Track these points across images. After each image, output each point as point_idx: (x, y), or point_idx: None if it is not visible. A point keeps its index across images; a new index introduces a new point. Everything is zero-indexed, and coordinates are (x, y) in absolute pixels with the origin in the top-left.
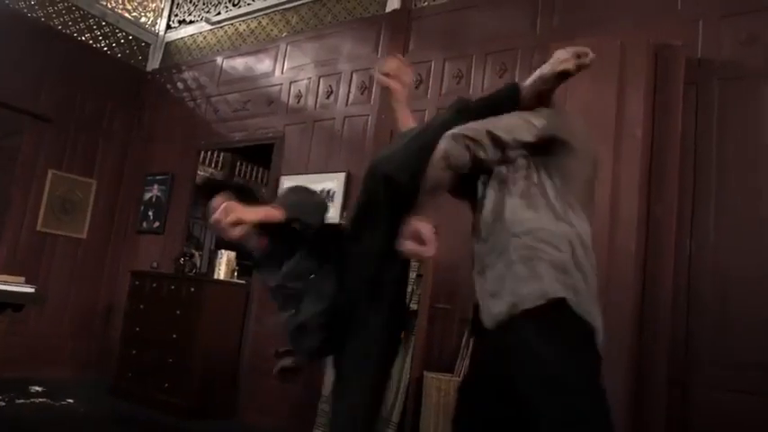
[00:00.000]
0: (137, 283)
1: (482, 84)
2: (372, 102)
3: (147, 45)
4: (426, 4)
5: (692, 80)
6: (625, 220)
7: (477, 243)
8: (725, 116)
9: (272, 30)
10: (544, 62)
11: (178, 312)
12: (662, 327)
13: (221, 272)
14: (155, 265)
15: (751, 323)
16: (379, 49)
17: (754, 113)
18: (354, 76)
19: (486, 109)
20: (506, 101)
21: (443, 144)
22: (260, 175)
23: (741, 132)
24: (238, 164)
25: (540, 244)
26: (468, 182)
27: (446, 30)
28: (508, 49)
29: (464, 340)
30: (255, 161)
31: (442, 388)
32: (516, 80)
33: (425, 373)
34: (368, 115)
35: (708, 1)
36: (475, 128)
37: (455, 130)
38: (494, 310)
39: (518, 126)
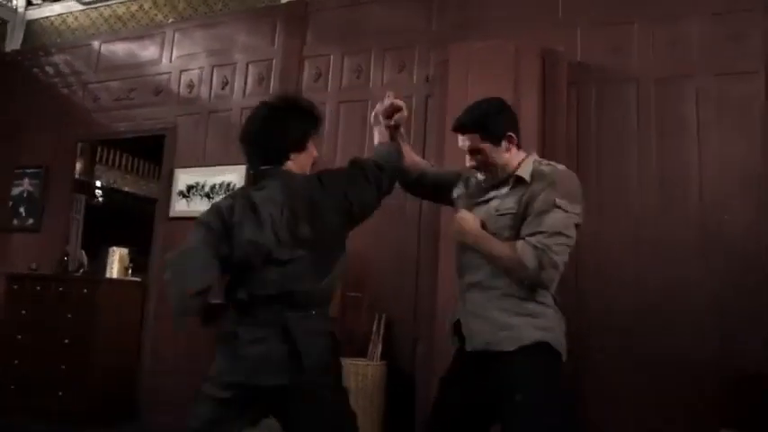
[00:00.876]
0: (14, 287)
1: (381, 79)
2: (270, 93)
3: (5, 22)
4: None
5: (573, 81)
6: None
7: None
8: (601, 114)
9: (155, 14)
10: (442, 60)
11: (69, 316)
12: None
13: (114, 270)
14: (33, 266)
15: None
16: (276, 42)
17: (620, 112)
18: (250, 67)
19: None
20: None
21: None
22: (147, 169)
23: (615, 127)
24: (124, 157)
25: None
26: None
27: (344, 24)
28: (406, 46)
29: (375, 326)
30: (142, 154)
31: (359, 372)
32: (414, 76)
33: (341, 358)
34: None
35: (583, 11)
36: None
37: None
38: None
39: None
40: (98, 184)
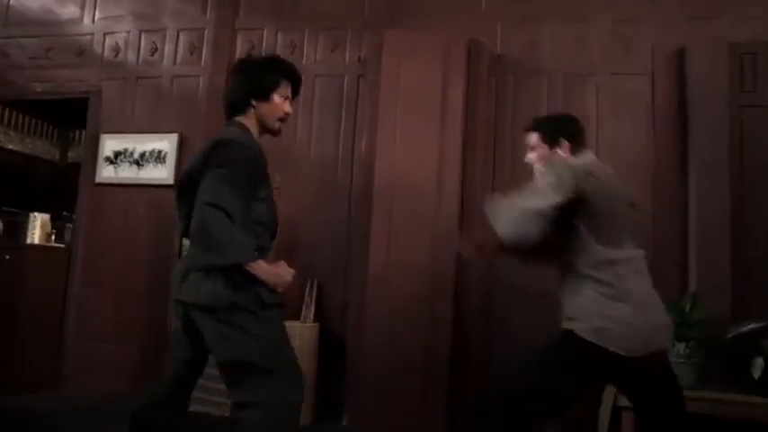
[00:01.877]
0: None
1: (315, 56)
2: (203, 63)
3: None
4: None
5: (492, 72)
6: (449, 189)
7: None
8: (516, 102)
9: None
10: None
11: None
12: (477, 269)
13: (36, 236)
14: None
15: None
16: (208, 10)
17: (532, 101)
18: (181, 35)
19: None
20: None
21: None
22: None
23: (527, 115)
24: (26, 119)
25: None
26: None
27: None
28: (339, 27)
29: (307, 290)
30: (66, 123)
31: (294, 334)
32: (347, 56)
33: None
34: (199, 76)
35: (503, 6)
36: None
37: None
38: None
39: None
40: None
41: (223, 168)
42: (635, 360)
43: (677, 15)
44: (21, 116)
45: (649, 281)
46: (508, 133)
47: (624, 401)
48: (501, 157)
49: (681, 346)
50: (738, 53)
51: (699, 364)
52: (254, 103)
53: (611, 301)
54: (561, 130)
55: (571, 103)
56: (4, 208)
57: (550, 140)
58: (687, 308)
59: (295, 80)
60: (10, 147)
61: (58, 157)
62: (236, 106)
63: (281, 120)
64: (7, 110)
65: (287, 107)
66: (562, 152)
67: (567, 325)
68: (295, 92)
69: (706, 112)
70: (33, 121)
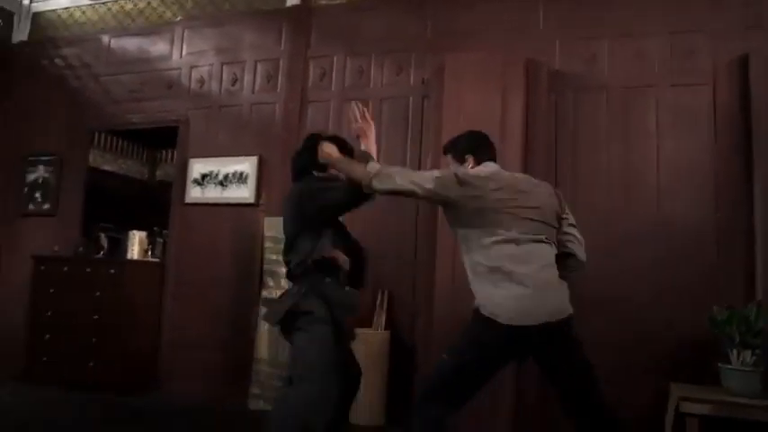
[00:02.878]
0: (42, 268)
1: (381, 80)
2: (279, 90)
3: (11, 14)
4: (325, 2)
5: (552, 88)
6: None
7: None
8: (577, 118)
9: (163, 11)
10: (437, 67)
11: (98, 294)
12: None
13: (134, 252)
14: (56, 248)
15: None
16: (282, 42)
17: (591, 116)
18: (259, 65)
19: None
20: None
21: None
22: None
23: (588, 130)
24: (119, 142)
25: None
26: None
27: (345, 27)
28: (403, 50)
29: (378, 300)
30: (153, 144)
31: (366, 340)
32: (411, 78)
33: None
34: (275, 103)
35: (562, 24)
36: None
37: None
38: None
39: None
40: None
41: None
42: (527, 329)
43: (737, 24)
44: (114, 139)
45: (542, 261)
46: (569, 148)
47: (687, 408)
48: (562, 171)
49: (746, 354)
50: None
51: (764, 372)
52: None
53: (497, 280)
54: (465, 147)
55: (631, 117)
56: (101, 224)
57: (459, 158)
58: (752, 316)
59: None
60: (106, 168)
61: (147, 176)
62: (295, 174)
63: None
64: (103, 135)
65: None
66: (469, 165)
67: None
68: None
69: None
70: (125, 143)
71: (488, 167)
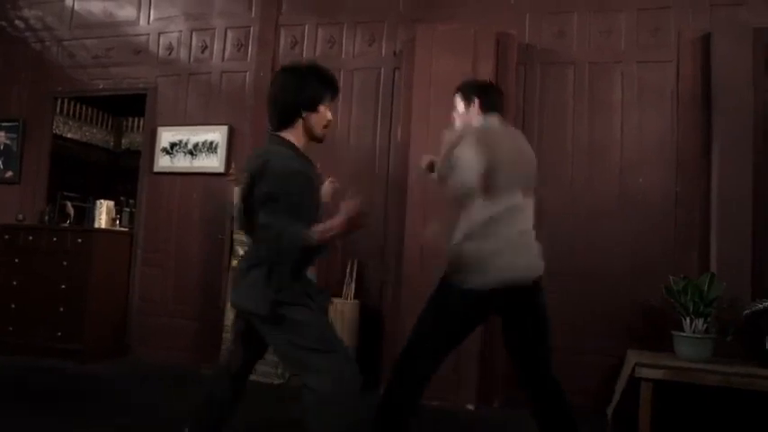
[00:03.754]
0: (6, 236)
1: (353, 51)
2: (249, 59)
3: None
4: None
5: (521, 62)
6: None
7: None
8: (544, 91)
9: None
10: (409, 38)
11: (65, 263)
12: None
13: (102, 221)
14: (20, 217)
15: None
16: (253, 9)
17: (561, 91)
18: (229, 32)
19: None
20: None
21: None
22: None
23: (554, 103)
24: (83, 109)
25: None
26: None
27: None
28: (376, 21)
29: (348, 270)
30: (119, 112)
31: (336, 310)
32: (383, 49)
33: None
34: (246, 72)
35: None
36: None
37: None
38: None
39: None
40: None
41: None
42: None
43: (702, 2)
44: (79, 106)
45: (526, 223)
46: (536, 119)
47: (641, 373)
48: (529, 139)
49: (698, 322)
50: (763, 38)
51: (715, 339)
52: (303, 114)
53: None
54: (474, 90)
55: (597, 91)
56: (65, 193)
57: (466, 98)
58: (705, 286)
59: (335, 89)
60: (69, 135)
61: (112, 144)
62: (285, 118)
63: (326, 127)
64: (66, 101)
65: (329, 115)
66: (474, 109)
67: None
68: (333, 96)
69: (730, 98)
70: (90, 110)
71: (489, 119)
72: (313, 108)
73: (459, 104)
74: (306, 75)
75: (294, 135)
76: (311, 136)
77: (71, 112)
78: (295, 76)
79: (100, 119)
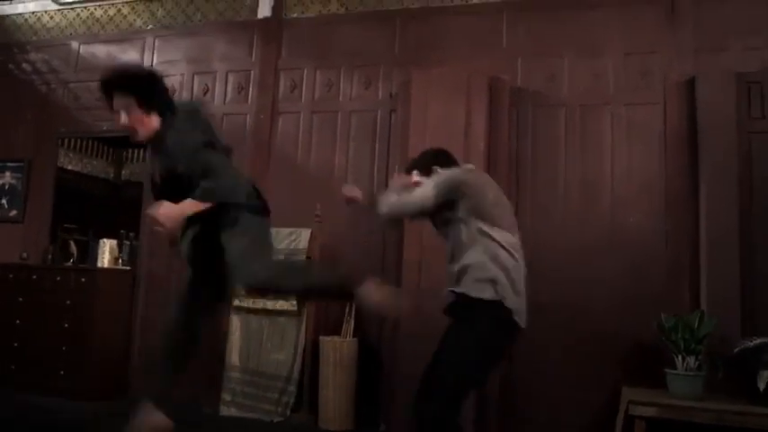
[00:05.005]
0: (10, 276)
1: (350, 93)
2: (250, 102)
3: None
4: (296, 15)
5: (513, 104)
6: None
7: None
8: (536, 132)
9: (134, 20)
10: (404, 80)
11: (68, 302)
12: None
13: (105, 260)
14: (24, 255)
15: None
16: (253, 53)
17: (551, 131)
18: (230, 76)
19: None
20: None
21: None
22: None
23: (546, 144)
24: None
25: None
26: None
27: (316, 40)
28: (372, 64)
29: (347, 308)
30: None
31: (336, 348)
32: (380, 92)
33: (321, 337)
34: (246, 114)
35: (524, 43)
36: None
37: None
38: None
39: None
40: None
41: None
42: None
43: (687, 47)
44: (80, 140)
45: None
46: (529, 161)
47: (635, 410)
48: (523, 184)
49: (690, 360)
50: (746, 82)
51: (706, 377)
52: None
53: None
54: (430, 161)
55: (588, 132)
56: (66, 225)
57: (426, 171)
58: (695, 324)
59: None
60: (70, 167)
61: (112, 175)
62: None
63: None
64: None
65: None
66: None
67: None
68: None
69: (715, 139)
70: (91, 142)
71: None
72: None
73: (422, 180)
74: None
75: None
76: None
77: (73, 145)
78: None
79: (99, 150)
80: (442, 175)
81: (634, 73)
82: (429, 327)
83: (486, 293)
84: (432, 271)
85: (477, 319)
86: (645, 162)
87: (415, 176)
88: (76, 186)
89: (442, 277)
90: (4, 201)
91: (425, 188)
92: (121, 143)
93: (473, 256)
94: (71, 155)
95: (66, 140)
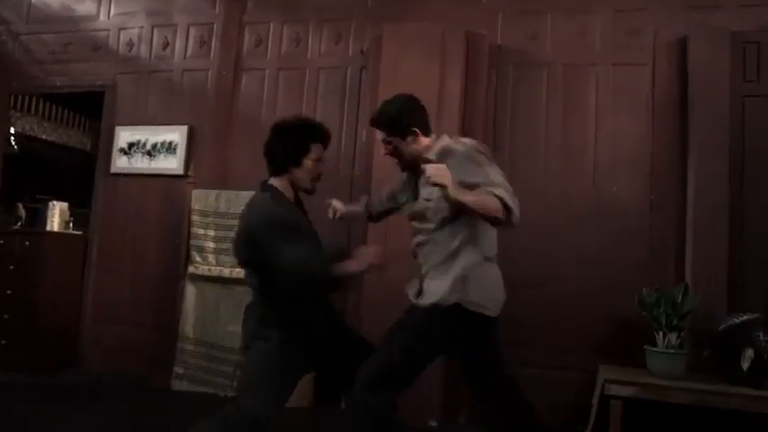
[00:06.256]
0: None
1: (319, 49)
2: (212, 57)
3: None
4: None
5: (493, 64)
6: None
7: None
8: (516, 94)
9: None
10: (376, 36)
11: (11, 267)
12: None
13: (55, 223)
14: None
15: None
16: (217, 5)
17: (532, 92)
18: (192, 29)
19: None
20: None
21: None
22: (80, 122)
23: (527, 107)
24: (59, 110)
25: None
26: None
27: None
28: (342, 19)
29: None
30: (79, 109)
31: None
32: (350, 48)
33: None
34: (208, 70)
35: None
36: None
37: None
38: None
39: None
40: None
41: None
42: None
43: (679, 5)
44: (55, 107)
45: None
46: (508, 124)
47: (611, 390)
48: (500, 148)
49: (672, 336)
50: (741, 42)
51: (689, 354)
52: (290, 169)
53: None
54: (413, 117)
55: (571, 95)
56: (27, 196)
57: (401, 132)
58: (678, 298)
59: (324, 140)
60: (44, 137)
61: (89, 146)
62: (274, 170)
63: (315, 180)
64: (42, 102)
65: (319, 168)
66: (418, 140)
67: None
68: (325, 147)
69: (707, 103)
70: (66, 111)
71: (444, 140)
72: (297, 164)
73: (396, 141)
74: (291, 132)
75: (280, 183)
76: (299, 188)
77: (47, 114)
78: (280, 133)
79: (77, 121)
80: (482, 154)
81: (622, 31)
82: (393, 299)
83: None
84: (398, 233)
85: None
86: (631, 127)
87: (380, 136)
88: (51, 157)
89: (408, 240)
90: None
91: (493, 175)
92: (97, 111)
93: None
94: (45, 124)
95: (39, 109)
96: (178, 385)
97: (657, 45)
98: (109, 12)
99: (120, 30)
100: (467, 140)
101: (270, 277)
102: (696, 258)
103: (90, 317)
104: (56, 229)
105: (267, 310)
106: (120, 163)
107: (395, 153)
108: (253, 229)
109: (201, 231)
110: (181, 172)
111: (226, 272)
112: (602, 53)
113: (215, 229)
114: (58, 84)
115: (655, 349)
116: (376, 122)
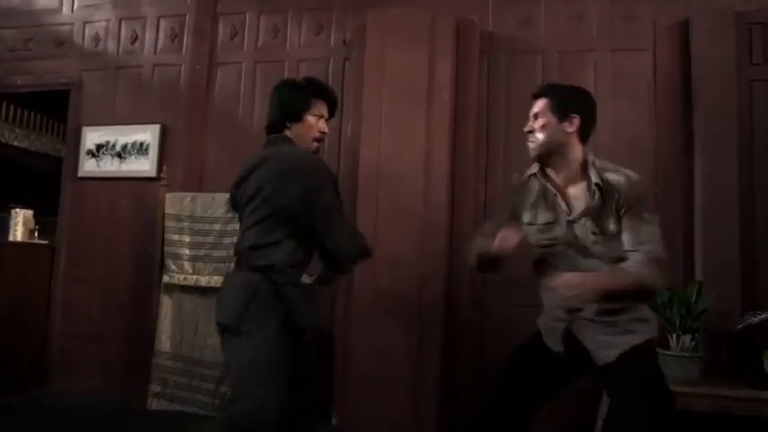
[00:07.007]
0: None
1: (298, 40)
2: (184, 51)
3: None
4: None
5: (484, 51)
6: (437, 176)
7: None
8: (509, 83)
9: None
10: (359, 25)
11: None
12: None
13: (18, 233)
14: None
15: None
16: None
17: (526, 80)
18: (162, 21)
19: None
20: None
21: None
22: (51, 126)
23: (521, 96)
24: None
25: None
26: None
27: None
28: (323, 8)
29: None
30: (48, 111)
31: None
32: (332, 39)
33: None
34: (180, 65)
35: None
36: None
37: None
38: None
39: None
40: None
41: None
42: None
43: None
44: (25, 112)
45: None
46: (501, 115)
47: None
48: (494, 141)
49: (686, 339)
50: (746, 23)
51: (705, 357)
52: (288, 124)
53: None
54: (581, 105)
55: (566, 82)
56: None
57: (561, 113)
58: (692, 298)
59: (329, 99)
60: (15, 143)
61: (64, 152)
62: (273, 128)
63: (317, 140)
64: (12, 107)
65: (321, 126)
66: (571, 129)
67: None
68: (331, 112)
69: (711, 88)
70: (37, 115)
71: (606, 166)
72: (296, 118)
73: (547, 115)
74: (292, 86)
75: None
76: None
77: (18, 119)
78: (281, 88)
79: (51, 126)
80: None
81: (620, 15)
82: (385, 305)
83: None
84: (387, 234)
85: None
86: (632, 115)
87: (539, 107)
88: (22, 163)
89: (398, 241)
90: None
91: (654, 230)
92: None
93: None
94: (17, 130)
95: (9, 114)
96: (156, 404)
97: (658, 29)
98: (72, 4)
99: (84, 23)
100: (631, 173)
101: (301, 237)
102: (707, 254)
103: (58, 332)
104: (19, 238)
105: (266, 285)
106: (88, 166)
107: (541, 130)
108: (318, 178)
109: (176, 237)
110: (153, 174)
111: (203, 280)
112: (599, 38)
113: (190, 235)
114: (18, 83)
115: (668, 353)
116: (545, 89)
